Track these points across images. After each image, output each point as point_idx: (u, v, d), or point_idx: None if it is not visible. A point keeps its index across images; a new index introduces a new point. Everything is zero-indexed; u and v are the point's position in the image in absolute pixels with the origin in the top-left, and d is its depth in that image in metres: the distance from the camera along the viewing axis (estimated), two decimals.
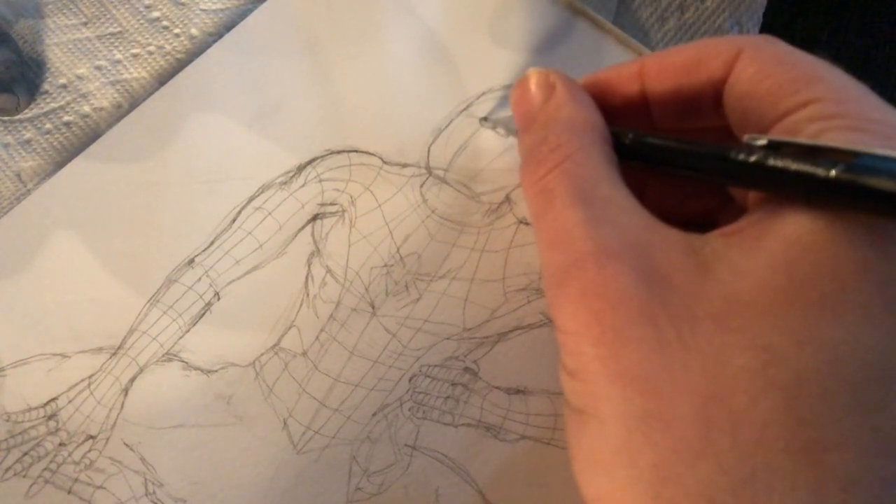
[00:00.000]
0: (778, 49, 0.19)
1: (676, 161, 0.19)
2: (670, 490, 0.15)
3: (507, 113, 0.28)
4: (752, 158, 0.17)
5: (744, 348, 0.15)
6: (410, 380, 0.27)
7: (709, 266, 0.16)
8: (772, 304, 0.15)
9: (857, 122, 0.16)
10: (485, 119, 0.29)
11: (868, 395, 0.15)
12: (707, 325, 0.16)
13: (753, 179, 0.17)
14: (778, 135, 0.17)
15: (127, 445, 0.26)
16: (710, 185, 0.23)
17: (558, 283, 0.18)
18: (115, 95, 0.30)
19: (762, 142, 0.17)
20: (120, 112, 0.30)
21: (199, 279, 0.27)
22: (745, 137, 0.17)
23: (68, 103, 0.30)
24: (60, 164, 0.28)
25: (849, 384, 0.15)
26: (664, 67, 0.21)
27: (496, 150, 0.29)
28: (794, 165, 0.16)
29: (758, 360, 0.15)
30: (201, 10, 0.31)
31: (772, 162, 0.16)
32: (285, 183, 0.28)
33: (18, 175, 0.29)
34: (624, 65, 0.22)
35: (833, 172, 0.15)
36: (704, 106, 0.20)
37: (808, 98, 0.17)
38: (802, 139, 0.16)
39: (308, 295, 0.28)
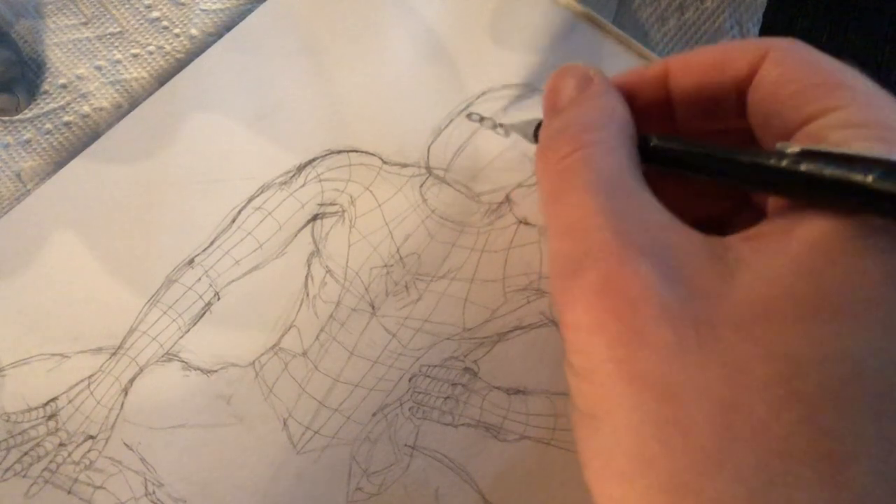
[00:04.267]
0: (804, 53, 0.18)
1: (705, 166, 0.19)
2: (688, 500, 0.15)
3: (523, 119, 0.28)
4: (784, 163, 0.16)
5: (766, 358, 0.15)
6: (410, 380, 0.27)
7: (732, 271, 0.16)
8: (796, 312, 0.15)
9: (882, 132, 0.16)
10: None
11: (889, 408, 0.15)
12: (729, 331, 0.15)
13: (786, 186, 0.17)
14: (802, 141, 0.17)
15: (127, 445, 0.26)
16: (727, 188, 0.23)
17: (570, 273, 0.17)
18: (115, 95, 0.30)
19: (795, 149, 0.16)
20: (120, 112, 0.30)
21: (199, 279, 0.27)
22: (778, 145, 0.17)
23: (68, 103, 0.30)
24: (60, 164, 0.28)
25: (871, 396, 0.15)
26: (689, 67, 0.20)
27: (496, 150, 0.29)
28: (828, 170, 0.15)
29: (781, 370, 0.15)
30: (201, 10, 0.31)
31: (805, 167, 0.16)
32: (285, 183, 0.28)
33: (18, 175, 0.29)
34: (648, 66, 0.22)
35: (870, 178, 0.15)
36: (728, 107, 0.20)
37: (832, 104, 0.17)
38: (836, 148, 0.16)
39: (308, 295, 0.28)
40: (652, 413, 0.15)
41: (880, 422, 0.15)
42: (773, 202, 0.18)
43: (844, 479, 0.14)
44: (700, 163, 0.19)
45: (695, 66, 0.20)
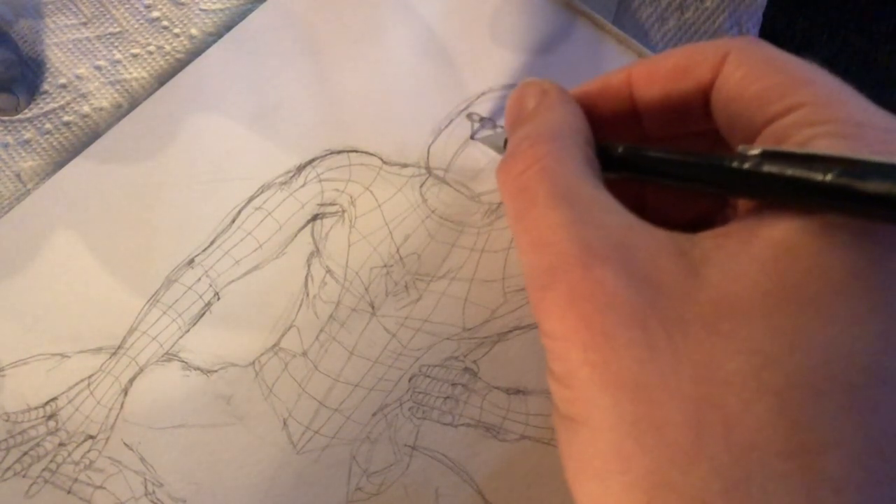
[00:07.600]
0: (764, 52, 0.18)
1: (670, 172, 0.19)
2: (664, 495, 0.15)
3: (490, 132, 0.28)
4: (746, 165, 0.17)
5: (735, 352, 0.15)
6: (410, 380, 0.27)
7: (697, 268, 0.16)
8: (762, 307, 0.15)
9: (844, 128, 0.16)
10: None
11: (859, 396, 0.15)
12: (697, 328, 0.16)
13: (748, 187, 0.17)
14: (767, 141, 0.17)
15: (127, 445, 0.26)
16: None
17: (543, 285, 0.17)
18: (115, 95, 0.30)
19: (755, 151, 0.17)
20: (120, 112, 0.30)
21: (199, 279, 0.27)
22: (739, 148, 0.17)
23: (68, 103, 0.30)
24: (60, 164, 0.28)
25: (840, 386, 0.15)
26: (652, 74, 0.21)
27: (496, 151, 0.29)
28: (789, 171, 0.16)
29: (749, 363, 0.15)
30: (201, 10, 0.31)
31: (766, 168, 0.16)
32: (285, 183, 0.28)
33: (18, 175, 0.29)
34: (612, 74, 0.22)
35: (829, 177, 0.15)
36: (693, 111, 0.20)
37: (795, 102, 0.17)
38: (796, 149, 0.16)
39: (308, 295, 0.28)
40: (627, 413, 0.16)
41: (853, 411, 0.15)
42: (743, 201, 0.18)
43: (820, 469, 0.15)
44: (666, 169, 0.19)
45: (657, 73, 0.20)
